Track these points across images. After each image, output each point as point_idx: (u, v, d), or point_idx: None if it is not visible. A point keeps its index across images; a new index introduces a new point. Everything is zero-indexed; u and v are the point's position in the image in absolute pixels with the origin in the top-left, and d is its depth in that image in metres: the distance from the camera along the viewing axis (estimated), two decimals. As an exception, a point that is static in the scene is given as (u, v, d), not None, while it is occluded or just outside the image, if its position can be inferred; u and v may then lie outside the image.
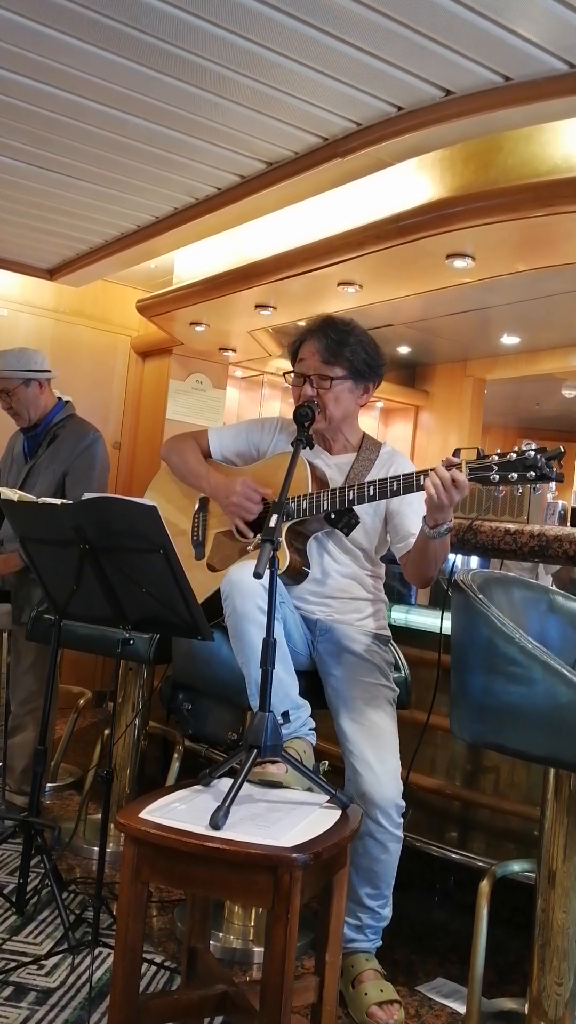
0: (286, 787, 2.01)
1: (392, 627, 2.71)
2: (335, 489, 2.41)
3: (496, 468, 2.10)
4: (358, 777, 2.28)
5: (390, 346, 6.75)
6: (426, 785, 2.92)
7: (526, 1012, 2.12)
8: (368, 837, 2.25)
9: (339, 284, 4.16)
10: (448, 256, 3.64)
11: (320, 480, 2.52)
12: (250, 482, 2.60)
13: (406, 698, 2.64)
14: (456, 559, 2.92)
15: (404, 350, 7.08)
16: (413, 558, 2.42)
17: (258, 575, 1.89)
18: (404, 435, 7.72)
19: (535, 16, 2.23)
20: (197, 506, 2.78)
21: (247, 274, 4.23)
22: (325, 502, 2.41)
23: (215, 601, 2.43)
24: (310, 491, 2.45)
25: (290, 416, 2.53)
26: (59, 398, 3.86)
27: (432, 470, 2.14)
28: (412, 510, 2.47)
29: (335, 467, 2.62)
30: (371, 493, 2.33)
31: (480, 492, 2.97)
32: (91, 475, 3.65)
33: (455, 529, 2.59)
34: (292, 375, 2.62)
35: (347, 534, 2.50)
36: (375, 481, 2.33)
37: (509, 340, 6.51)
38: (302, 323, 2.62)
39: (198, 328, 5.24)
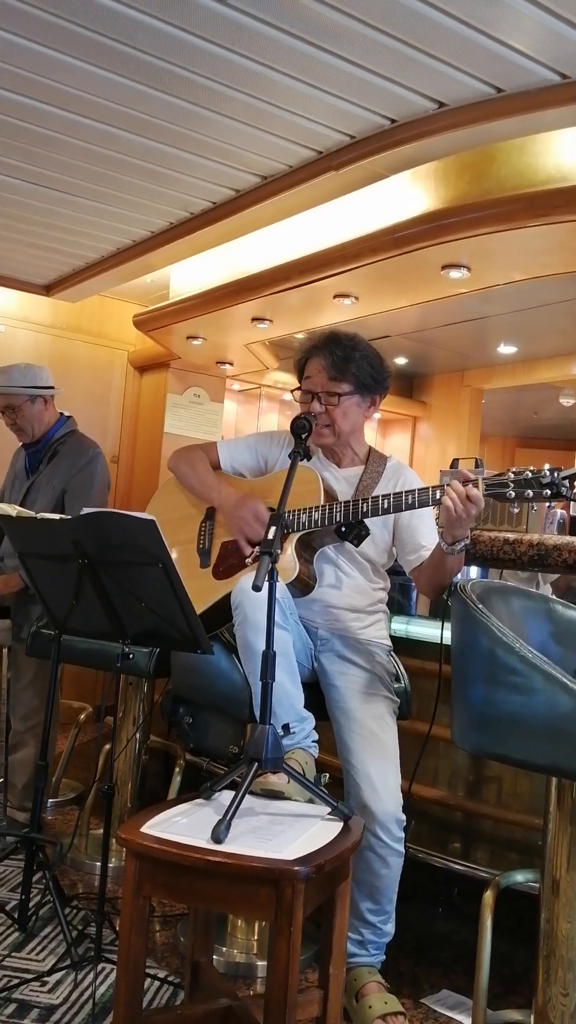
0: (287, 798, 2.01)
1: (392, 638, 2.70)
2: (348, 501, 2.41)
3: (512, 485, 2.11)
4: (358, 790, 2.27)
5: (387, 357, 6.74)
6: (428, 796, 2.91)
7: (532, 1023, 2.11)
8: (368, 851, 2.24)
9: (335, 296, 4.18)
10: (444, 267, 3.66)
11: (329, 493, 2.52)
12: (262, 507, 2.56)
13: (407, 709, 2.63)
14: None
15: (401, 361, 7.10)
16: (427, 571, 2.42)
17: (257, 587, 1.90)
18: (402, 446, 7.72)
19: (526, 28, 2.24)
20: (204, 515, 2.78)
21: (243, 287, 4.25)
22: (338, 514, 2.41)
23: (218, 609, 2.42)
24: (322, 503, 2.45)
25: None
26: (60, 414, 3.86)
27: (448, 485, 2.15)
28: (423, 523, 2.49)
29: (343, 480, 2.62)
30: (385, 506, 2.33)
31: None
32: (90, 492, 3.63)
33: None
34: (299, 392, 2.63)
35: (357, 545, 2.50)
36: (389, 495, 2.33)
37: (506, 350, 6.53)
38: (299, 336, 2.63)
39: (195, 342, 5.25)
